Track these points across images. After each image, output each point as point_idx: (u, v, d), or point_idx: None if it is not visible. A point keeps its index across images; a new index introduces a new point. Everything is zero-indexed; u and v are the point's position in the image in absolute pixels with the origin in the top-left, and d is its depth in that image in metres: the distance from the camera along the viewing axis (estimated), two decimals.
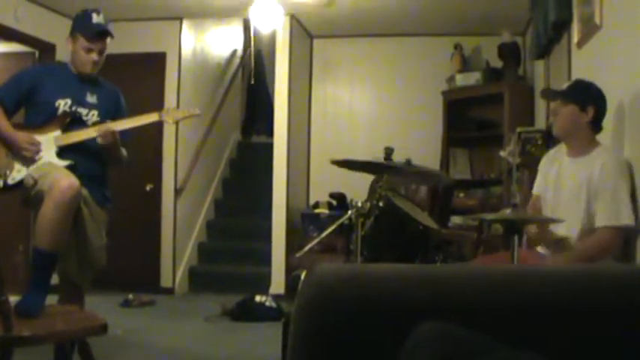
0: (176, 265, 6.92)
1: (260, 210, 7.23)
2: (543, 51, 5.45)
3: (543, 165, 3.49)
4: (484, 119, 6.97)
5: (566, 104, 3.19)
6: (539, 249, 3.35)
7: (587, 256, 2.99)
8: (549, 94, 3.84)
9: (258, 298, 5.76)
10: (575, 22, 4.31)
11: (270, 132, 7.27)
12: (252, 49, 8.43)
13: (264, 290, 6.32)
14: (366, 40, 7.59)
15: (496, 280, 1.27)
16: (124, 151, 3.64)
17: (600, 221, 3.02)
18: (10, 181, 3.33)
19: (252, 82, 8.70)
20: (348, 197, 6.83)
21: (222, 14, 7.43)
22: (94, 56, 3.52)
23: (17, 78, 3.56)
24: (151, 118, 3.64)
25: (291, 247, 6.59)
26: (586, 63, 4.13)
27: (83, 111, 3.51)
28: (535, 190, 3.48)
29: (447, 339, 1.04)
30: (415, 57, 7.47)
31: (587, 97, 3.15)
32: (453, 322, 1.09)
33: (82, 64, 3.53)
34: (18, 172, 3.33)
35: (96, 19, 3.51)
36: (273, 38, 7.21)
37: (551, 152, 3.52)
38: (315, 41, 7.76)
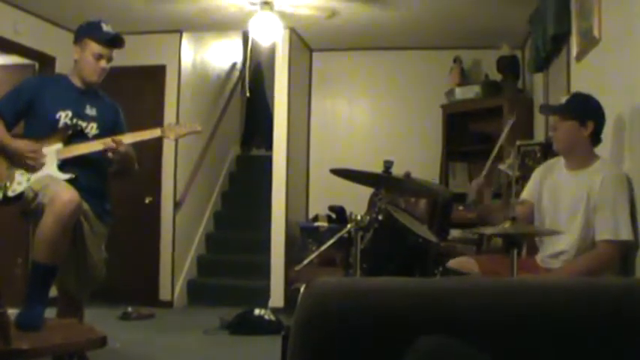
0: (175, 278, 6.90)
1: (259, 223, 7.21)
2: (542, 64, 5.47)
3: (539, 173, 3.47)
4: (483, 132, 6.96)
5: (565, 120, 3.19)
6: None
7: (587, 270, 2.97)
8: (548, 110, 3.83)
9: (257, 312, 5.74)
10: (574, 35, 4.32)
11: (269, 145, 7.27)
12: (249, 62, 8.44)
13: (264, 303, 6.30)
14: (366, 54, 7.61)
15: (496, 294, 1.27)
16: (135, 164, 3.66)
17: (600, 235, 3.02)
18: (10, 193, 3.31)
19: (248, 94, 8.65)
20: (348, 210, 6.83)
21: (221, 27, 7.45)
22: (103, 63, 3.52)
23: (17, 90, 3.54)
24: (154, 133, 3.63)
25: (290, 260, 6.57)
26: (585, 76, 4.14)
27: (83, 123, 3.50)
28: (524, 195, 3.46)
29: (446, 354, 1.03)
30: (414, 70, 7.49)
31: (586, 112, 3.15)
32: (453, 336, 1.09)
33: (90, 72, 3.51)
34: (18, 185, 3.31)
35: (105, 27, 3.54)
36: (272, 51, 7.23)
37: (549, 162, 3.50)
38: (315, 54, 7.78)
